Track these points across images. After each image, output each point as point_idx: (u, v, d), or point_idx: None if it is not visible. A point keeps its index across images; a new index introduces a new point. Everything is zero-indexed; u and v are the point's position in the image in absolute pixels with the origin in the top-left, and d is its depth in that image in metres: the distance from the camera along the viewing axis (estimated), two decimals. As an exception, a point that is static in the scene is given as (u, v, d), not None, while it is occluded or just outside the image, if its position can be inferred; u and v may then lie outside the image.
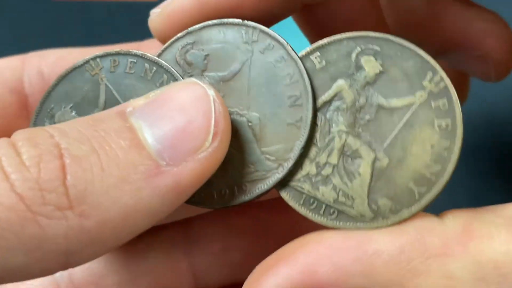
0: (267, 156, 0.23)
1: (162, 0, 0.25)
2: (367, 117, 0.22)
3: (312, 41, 0.29)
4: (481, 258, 0.19)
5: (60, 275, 0.27)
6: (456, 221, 0.20)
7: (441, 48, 0.30)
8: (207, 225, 0.28)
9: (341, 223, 0.22)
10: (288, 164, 0.23)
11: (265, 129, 0.23)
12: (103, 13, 0.48)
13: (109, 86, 0.24)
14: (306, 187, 0.23)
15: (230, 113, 0.23)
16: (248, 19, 0.24)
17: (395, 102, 0.22)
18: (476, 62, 0.30)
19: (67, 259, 0.19)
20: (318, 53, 0.23)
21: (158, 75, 0.24)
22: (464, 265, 0.19)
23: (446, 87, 0.22)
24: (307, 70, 0.23)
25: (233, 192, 0.23)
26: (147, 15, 0.26)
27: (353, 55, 0.23)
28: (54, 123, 0.24)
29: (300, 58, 0.23)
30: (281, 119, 0.23)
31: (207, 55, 0.24)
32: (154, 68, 0.24)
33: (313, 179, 0.23)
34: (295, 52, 0.23)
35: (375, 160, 0.22)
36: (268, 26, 0.24)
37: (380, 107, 0.22)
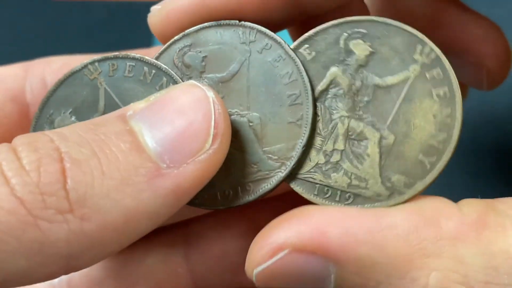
0: (269, 155, 0.23)
1: (161, 0, 0.25)
2: (366, 98, 0.23)
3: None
4: (494, 247, 0.19)
5: (58, 280, 0.27)
6: (471, 208, 0.20)
7: None
8: (206, 229, 0.27)
9: (358, 207, 0.22)
10: (291, 163, 0.23)
11: (266, 128, 0.23)
12: (103, 13, 0.48)
13: (108, 90, 0.24)
14: (318, 177, 0.23)
15: (231, 114, 0.23)
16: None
17: (391, 80, 0.23)
18: (470, 69, 0.30)
19: (68, 263, 0.19)
20: (306, 45, 0.23)
21: (157, 78, 0.24)
22: (476, 252, 0.19)
23: (437, 56, 0.22)
24: (305, 67, 0.23)
25: (237, 193, 0.23)
26: (147, 15, 0.26)
27: (341, 41, 0.23)
28: (54, 128, 0.24)
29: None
30: (282, 118, 0.23)
31: (205, 57, 0.24)
32: (153, 71, 0.24)
33: (323, 168, 0.23)
34: (293, 50, 0.23)
35: (381, 139, 0.22)
36: None
37: (376, 87, 0.23)
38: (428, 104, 0.22)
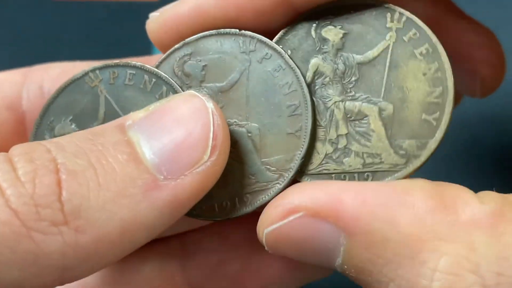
0: (268, 166, 0.23)
1: (162, 0, 0.25)
2: (353, 78, 0.23)
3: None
4: (508, 239, 0.19)
5: None
6: (489, 200, 0.20)
7: None
8: (203, 238, 0.27)
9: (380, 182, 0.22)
10: (289, 175, 0.23)
11: (265, 139, 0.23)
12: (103, 13, 0.48)
13: (109, 98, 0.24)
14: (331, 166, 0.23)
15: (229, 124, 0.23)
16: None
17: (372, 53, 0.23)
18: (464, 76, 0.30)
19: (63, 274, 0.19)
20: (279, 46, 0.24)
21: (157, 87, 0.24)
22: (491, 241, 0.19)
23: (408, 18, 0.23)
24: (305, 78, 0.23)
25: (235, 204, 0.23)
26: (147, 15, 0.26)
27: (312, 32, 0.24)
28: (54, 136, 0.24)
29: None
30: (281, 129, 0.23)
31: (204, 66, 0.24)
32: (154, 79, 0.24)
33: (334, 156, 0.23)
34: (293, 60, 0.23)
35: (380, 111, 0.22)
36: None
37: (360, 64, 0.23)
38: (414, 65, 0.22)
